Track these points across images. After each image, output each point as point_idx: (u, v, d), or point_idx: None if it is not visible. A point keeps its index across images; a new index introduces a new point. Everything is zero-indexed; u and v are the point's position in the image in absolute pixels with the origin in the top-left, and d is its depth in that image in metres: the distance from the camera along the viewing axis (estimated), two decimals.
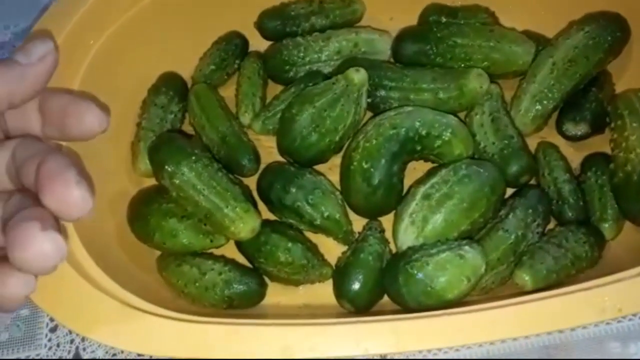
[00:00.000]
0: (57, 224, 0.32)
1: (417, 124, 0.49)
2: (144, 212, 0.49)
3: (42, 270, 0.30)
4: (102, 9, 0.53)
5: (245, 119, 0.57)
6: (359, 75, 0.50)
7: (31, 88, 0.36)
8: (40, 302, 0.39)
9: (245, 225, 0.46)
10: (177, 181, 0.46)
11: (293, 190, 0.49)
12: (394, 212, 0.50)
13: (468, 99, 0.53)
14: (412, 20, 0.62)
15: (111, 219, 0.51)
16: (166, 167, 0.46)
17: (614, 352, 0.46)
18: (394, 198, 0.49)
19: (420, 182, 0.49)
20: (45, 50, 0.36)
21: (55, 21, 0.51)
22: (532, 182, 0.53)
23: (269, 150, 0.57)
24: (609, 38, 0.53)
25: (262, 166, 0.55)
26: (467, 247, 0.43)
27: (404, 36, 0.58)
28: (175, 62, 0.60)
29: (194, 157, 0.47)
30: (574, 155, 0.54)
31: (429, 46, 0.56)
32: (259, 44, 0.62)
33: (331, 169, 0.54)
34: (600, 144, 0.53)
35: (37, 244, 0.29)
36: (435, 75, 0.54)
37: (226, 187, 0.47)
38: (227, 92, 0.61)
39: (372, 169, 0.48)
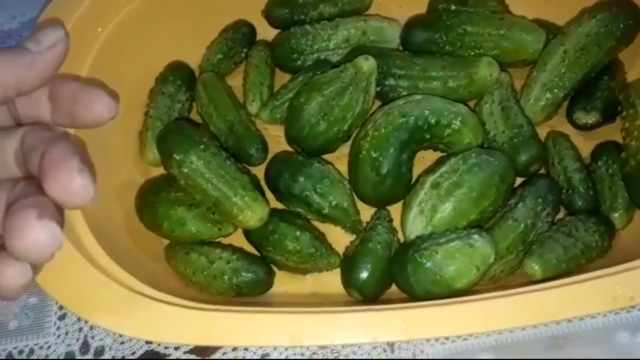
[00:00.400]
0: (57, 212, 0.32)
1: (427, 112, 0.48)
2: (152, 201, 0.49)
3: (37, 258, 0.31)
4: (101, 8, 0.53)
5: (253, 108, 0.57)
6: (367, 64, 0.50)
7: (40, 76, 0.36)
8: (48, 288, 0.40)
9: (254, 213, 0.45)
10: (186, 170, 0.46)
11: (301, 179, 0.49)
12: (402, 201, 0.50)
13: (478, 87, 0.52)
14: (421, 8, 0.61)
15: (119, 208, 0.51)
16: (174, 155, 0.46)
17: (623, 341, 0.46)
18: (402, 187, 0.49)
19: (429, 171, 0.48)
20: (56, 38, 0.36)
21: (62, 10, 0.51)
22: (542, 171, 0.52)
23: (276, 140, 0.56)
24: (621, 26, 0.52)
25: (270, 155, 0.54)
26: (476, 236, 0.42)
27: (413, 24, 0.58)
28: (183, 51, 0.60)
29: (202, 146, 0.47)
30: (585, 145, 0.53)
31: (438, 34, 0.56)
32: (266, 32, 0.62)
33: (339, 158, 0.54)
34: (612, 133, 0.53)
35: (33, 233, 0.30)
36: (444, 64, 0.53)
37: (234, 176, 0.47)
38: (235, 81, 0.61)
39: (380, 158, 0.47)
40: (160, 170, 0.53)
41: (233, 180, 0.46)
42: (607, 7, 0.53)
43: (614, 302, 0.34)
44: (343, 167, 0.52)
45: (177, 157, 0.46)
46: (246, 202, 0.46)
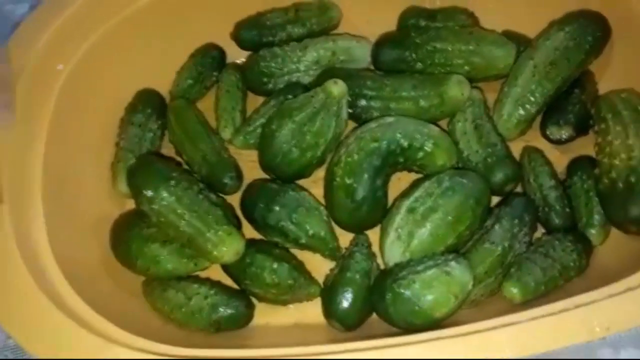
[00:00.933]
0: None
1: (399, 135, 0.48)
2: (125, 238, 0.48)
3: None
4: (73, 29, 0.52)
5: (226, 134, 0.56)
6: (337, 88, 0.49)
7: None
8: (21, 341, 0.39)
9: (229, 248, 0.45)
10: (157, 207, 0.45)
11: (276, 209, 0.48)
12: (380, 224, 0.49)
13: (449, 106, 0.52)
14: (390, 22, 0.61)
15: (95, 244, 0.50)
16: (144, 192, 0.45)
17: (606, 358, 0.46)
18: (379, 212, 0.49)
19: (404, 195, 0.48)
20: None
21: (21, 47, 0.50)
22: (519, 187, 0.52)
23: (251, 165, 0.55)
24: (590, 38, 0.52)
25: (245, 181, 0.54)
26: (453, 263, 0.42)
27: (382, 43, 0.58)
28: (153, 78, 0.59)
29: (173, 181, 0.46)
30: (560, 158, 0.53)
31: (408, 52, 0.56)
32: (236, 53, 0.61)
33: (315, 182, 0.53)
34: (587, 144, 0.52)
35: None
36: (415, 83, 0.53)
37: (208, 210, 0.46)
38: (207, 104, 0.60)
39: (355, 185, 0.47)
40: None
41: (206, 215, 0.45)
42: (575, 19, 0.53)
43: (592, 333, 0.34)
44: (319, 191, 0.52)
45: (148, 194, 0.45)
46: (220, 237, 0.45)
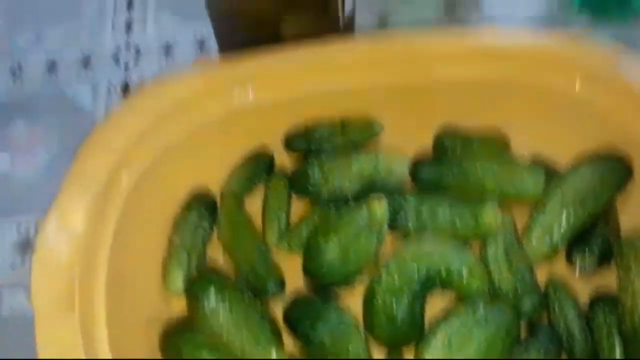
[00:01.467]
0: None
1: (437, 261, 0.52)
2: (177, 342, 0.51)
3: None
4: (143, 139, 0.56)
5: (271, 237, 0.61)
6: (380, 209, 0.54)
7: None
8: None
9: None
10: (212, 321, 0.49)
11: (320, 326, 0.52)
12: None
13: (483, 230, 0.56)
14: (426, 138, 0.65)
15: (144, 342, 0.53)
16: (202, 303, 0.49)
17: None
18: (416, 332, 0.52)
19: (440, 320, 0.51)
20: None
21: (98, 148, 0.55)
22: None
23: (292, 267, 0.59)
24: (617, 181, 0.56)
25: (284, 280, 0.57)
26: None
27: (421, 162, 0.62)
28: (205, 176, 0.63)
29: (228, 295, 0.50)
30: (583, 286, 0.57)
31: (444, 171, 0.60)
32: (285, 158, 0.66)
33: (350, 291, 0.57)
34: (609, 273, 0.56)
35: None
36: (452, 203, 0.57)
37: (257, 324, 0.50)
38: (253, 199, 0.64)
39: (395, 308, 0.51)
40: (183, 300, 0.55)
41: (256, 328, 0.49)
42: (604, 161, 0.57)
43: None
44: (355, 299, 0.55)
45: (204, 308, 0.49)
46: (268, 351, 0.48)
